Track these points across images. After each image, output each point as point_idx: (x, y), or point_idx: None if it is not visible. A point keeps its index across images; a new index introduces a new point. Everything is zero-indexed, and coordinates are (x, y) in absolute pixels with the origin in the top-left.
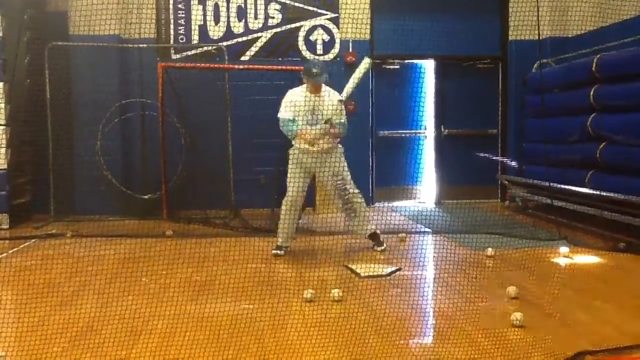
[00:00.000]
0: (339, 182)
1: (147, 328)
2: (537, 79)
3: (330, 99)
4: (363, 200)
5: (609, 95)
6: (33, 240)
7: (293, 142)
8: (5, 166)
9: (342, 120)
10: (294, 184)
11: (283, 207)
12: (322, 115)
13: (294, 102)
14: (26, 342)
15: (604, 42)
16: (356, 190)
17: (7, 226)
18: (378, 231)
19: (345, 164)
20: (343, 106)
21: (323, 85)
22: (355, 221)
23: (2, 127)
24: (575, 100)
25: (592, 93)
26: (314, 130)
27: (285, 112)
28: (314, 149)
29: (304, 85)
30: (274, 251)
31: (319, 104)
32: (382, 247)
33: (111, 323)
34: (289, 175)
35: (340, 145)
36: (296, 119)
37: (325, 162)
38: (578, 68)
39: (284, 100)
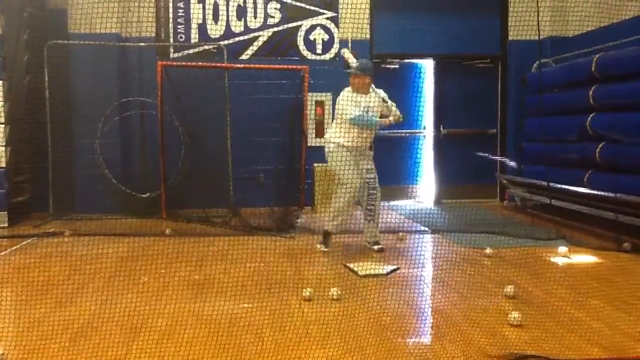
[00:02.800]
0: (370, 180)
1: (146, 326)
2: (536, 79)
3: (378, 96)
4: (381, 204)
5: (608, 94)
6: (32, 238)
7: (333, 139)
8: (4, 164)
9: (395, 109)
10: (351, 173)
11: (341, 197)
12: (372, 112)
13: (351, 100)
14: (25, 340)
15: (604, 41)
16: (380, 193)
17: (6, 224)
18: (380, 243)
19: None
20: (389, 100)
21: (372, 86)
22: (369, 226)
23: (1, 126)
24: (575, 99)
25: (591, 93)
26: (359, 129)
27: (354, 111)
28: (359, 145)
29: (348, 88)
30: (320, 246)
31: (369, 102)
32: (380, 247)
33: (110, 321)
34: (339, 169)
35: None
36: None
37: (363, 158)
38: (577, 68)
39: (341, 102)
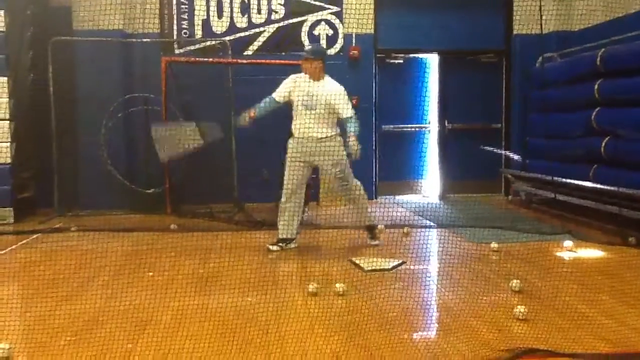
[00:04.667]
0: (338, 173)
1: (153, 321)
2: (541, 74)
3: (331, 88)
4: (363, 192)
5: (613, 89)
6: (38, 234)
7: (291, 129)
8: (10, 161)
9: (349, 115)
10: (292, 175)
11: (282, 199)
12: (318, 100)
13: (289, 84)
14: (32, 335)
15: (609, 36)
16: (356, 183)
17: (12, 220)
18: (380, 226)
19: (345, 155)
20: (346, 100)
21: (326, 75)
22: (355, 211)
23: (6, 122)
24: (580, 94)
25: (596, 87)
26: (310, 114)
27: (275, 92)
28: (311, 135)
29: (298, 74)
30: (269, 246)
31: (317, 90)
32: (376, 243)
33: (117, 316)
34: (287, 165)
35: (339, 137)
36: (275, 101)
37: (323, 151)
38: (582, 62)
39: (283, 82)
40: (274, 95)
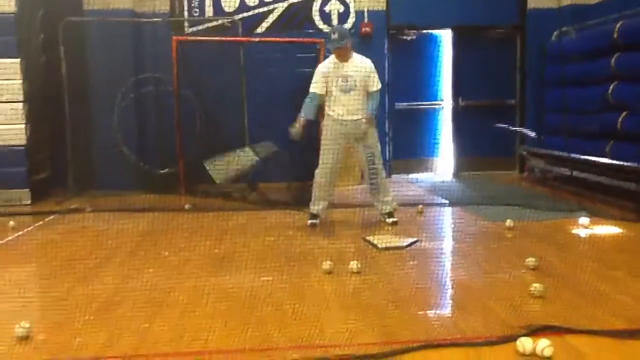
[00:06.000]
0: (369, 155)
1: (168, 300)
2: (557, 48)
3: (362, 64)
4: (385, 177)
5: (631, 63)
6: (54, 215)
7: (327, 112)
8: (25, 142)
9: (378, 88)
10: (328, 155)
11: (317, 176)
12: (353, 81)
13: (322, 73)
14: (50, 315)
15: (626, 9)
16: (381, 167)
17: (29, 202)
18: (394, 204)
19: (377, 138)
20: (376, 73)
21: (353, 52)
22: (376, 198)
23: (20, 104)
24: (597, 69)
25: (613, 61)
26: (347, 97)
27: (312, 87)
28: (348, 118)
29: (332, 56)
30: (309, 221)
31: (349, 70)
32: (394, 219)
33: (133, 296)
34: (323, 145)
35: (374, 119)
36: (318, 96)
37: (359, 133)
38: (599, 36)
39: (314, 74)
40: (314, 90)
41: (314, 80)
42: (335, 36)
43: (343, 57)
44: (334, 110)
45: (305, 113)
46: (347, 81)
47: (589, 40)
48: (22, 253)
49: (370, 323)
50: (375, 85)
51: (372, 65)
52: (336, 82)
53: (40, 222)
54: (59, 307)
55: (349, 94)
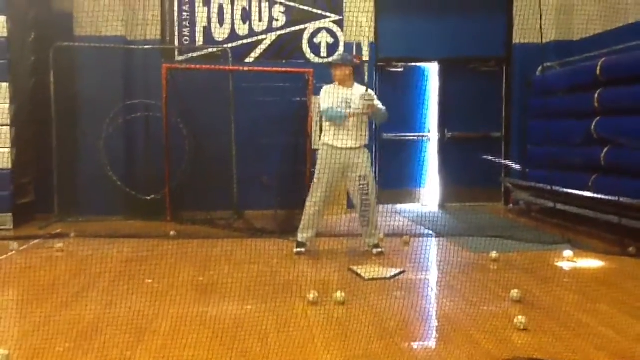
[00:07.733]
0: (363, 186)
1: (151, 328)
2: (541, 82)
3: (362, 88)
4: (377, 210)
5: (613, 98)
6: (37, 240)
7: (322, 139)
8: (10, 166)
9: (380, 106)
10: (324, 186)
11: (308, 204)
12: (354, 103)
13: (327, 92)
14: (30, 340)
15: (609, 45)
16: (375, 200)
17: (11, 226)
18: (380, 234)
19: (371, 170)
20: (374, 96)
21: (354, 82)
22: (365, 232)
23: (6, 127)
24: (580, 103)
25: (596, 96)
26: (346, 122)
27: (325, 104)
28: (345, 145)
29: (330, 85)
30: (296, 249)
31: (350, 95)
32: (380, 250)
33: (115, 323)
34: (317, 175)
35: (367, 149)
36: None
37: (354, 161)
38: (582, 71)
39: (320, 97)
40: (325, 104)
41: (321, 98)
42: (337, 57)
43: (345, 83)
44: (330, 136)
45: (335, 115)
46: (347, 104)
47: (572, 76)
48: (3, 278)
49: (354, 354)
50: (379, 103)
51: (371, 92)
52: (337, 105)
53: (23, 247)
54: (39, 333)
55: (348, 121)
